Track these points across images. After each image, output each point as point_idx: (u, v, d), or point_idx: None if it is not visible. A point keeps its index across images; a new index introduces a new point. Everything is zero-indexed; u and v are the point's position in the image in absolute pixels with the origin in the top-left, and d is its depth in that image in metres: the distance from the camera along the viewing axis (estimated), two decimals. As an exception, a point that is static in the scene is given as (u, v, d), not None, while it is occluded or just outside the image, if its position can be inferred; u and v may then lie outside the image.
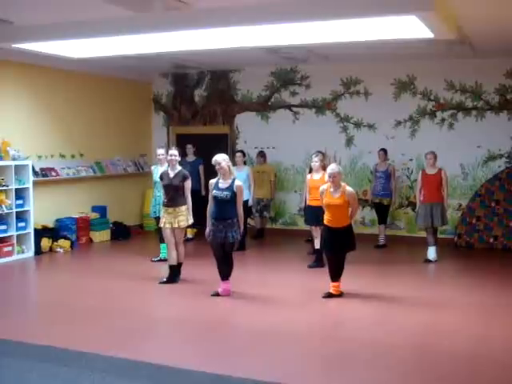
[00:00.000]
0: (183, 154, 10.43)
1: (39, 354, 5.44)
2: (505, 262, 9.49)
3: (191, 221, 8.03)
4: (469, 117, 10.73)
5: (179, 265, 8.05)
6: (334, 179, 7.12)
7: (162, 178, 8.11)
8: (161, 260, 9.21)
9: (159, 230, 8.56)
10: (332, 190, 7.19)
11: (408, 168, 11.13)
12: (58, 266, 9.55)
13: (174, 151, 8.11)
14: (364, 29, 6.86)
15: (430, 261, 9.32)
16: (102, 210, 11.57)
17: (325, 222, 7.33)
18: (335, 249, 7.28)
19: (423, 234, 9.97)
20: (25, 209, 9.76)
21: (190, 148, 11.48)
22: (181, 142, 12.08)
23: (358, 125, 11.45)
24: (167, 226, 7.88)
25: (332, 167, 7.24)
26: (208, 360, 5.32)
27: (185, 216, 7.90)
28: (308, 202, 9.07)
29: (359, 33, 7.10)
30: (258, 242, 11.23)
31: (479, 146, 10.64)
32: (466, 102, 10.73)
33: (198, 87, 12.74)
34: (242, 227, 7.29)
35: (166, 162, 8.63)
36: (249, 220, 11.03)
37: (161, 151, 9.19)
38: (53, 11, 6.77)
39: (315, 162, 8.88)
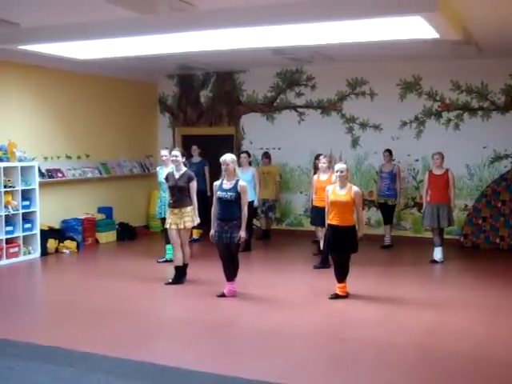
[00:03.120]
0: (189, 155, 10.44)
1: (45, 355, 5.46)
2: (511, 262, 9.46)
3: (198, 221, 8.04)
4: (475, 117, 10.71)
5: (185, 266, 8.05)
6: (342, 174, 7.14)
7: (167, 179, 8.12)
8: (166, 261, 9.21)
9: (165, 231, 8.57)
10: (338, 187, 7.21)
11: (414, 168, 11.11)
12: (64, 267, 9.58)
13: (176, 152, 8.12)
14: (369, 30, 6.85)
15: (436, 261, 9.30)
16: (107, 211, 11.60)
17: (328, 221, 7.33)
18: (338, 249, 7.28)
19: (429, 234, 9.96)
20: (31, 210, 9.79)
21: (195, 149, 11.47)
22: (186, 143, 12.12)
23: (363, 125, 11.44)
24: (173, 226, 7.89)
25: (340, 163, 7.40)
26: (213, 361, 5.32)
27: (190, 217, 7.90)
28: (314, 203, 9.08)
29: (364, 34, 7.10)
30: (264, 243, 11.23)
31: (485, 146, 10.61)
32: (472, 103, 10.71)
33: (203, 88, 12.75)
34: (244, 226, 7.24)
35: (170, 163, 8.64)
36: (254, 221, 11.03)
37: (164, 152, 9.23)
38: (58, 13, 6.79)
39: (323, 162, 8.90)
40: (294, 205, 12.02)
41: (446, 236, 9.81)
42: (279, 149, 11.96)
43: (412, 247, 10.70)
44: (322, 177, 8.88)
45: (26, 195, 9.74)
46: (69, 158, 10.99)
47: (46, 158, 10.48)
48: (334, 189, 7.27)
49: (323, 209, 7.70)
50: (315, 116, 11.78)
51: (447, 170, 9.35)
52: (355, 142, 11.50)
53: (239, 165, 8.83)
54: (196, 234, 11.02)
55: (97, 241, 11.13)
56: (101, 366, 5.17)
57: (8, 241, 9.43)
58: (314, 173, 9.50)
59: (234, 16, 6.48)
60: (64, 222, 10.74)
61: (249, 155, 10.59)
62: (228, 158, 7.27)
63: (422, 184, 9.99)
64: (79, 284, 8.27)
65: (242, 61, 11.08)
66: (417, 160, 11.07)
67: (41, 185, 10.00)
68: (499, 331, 6.12)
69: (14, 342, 5.73)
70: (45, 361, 5.31)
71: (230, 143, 12.28)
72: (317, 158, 9.64)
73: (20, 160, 9.62)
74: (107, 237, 11.30)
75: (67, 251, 10.25)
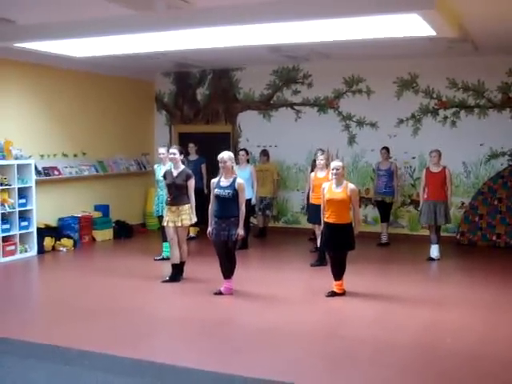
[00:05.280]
0: (185, 153, 10.42)
1: (42, 353, 5.45)
2: (507, 259, 9.48)
3: (195, 219, 8.04)
4: (471, 115, 10.72)
5: (182, 263, 8.06)
6: (338, 171, 7.12)
7: (165, 176, 8.12)
8: (163, 259, 9.20)
9: (162, 229, 8.57)
10: (334, 185, 7.20)
11: (410, 166, 11.12)
12: (61, 265, 9.56)
13: (174, 150, 8.12)
14: (366, 27, 6.86)
15: (432, 259, 9.31)
16: (104, 209, 11.58)
17: (325, 219, 7.33)
18: (335, 247, 7.28)
19: (426, 232, 9.97)
20: (27, 208, 9.76)
21: (192, 147, 11.46)
22: (183, 141, 12.08)
23: (360, 123, 11.44)
24: (170, 224, 7.89)
25: (336, 161, 7.38)
26: (211, 358, 5.32)
27: (188, 215, 7.90)
28: (311, 200, 9.06)
29: (361, 31, 7.10)
30: (261, 241, 11.23)
31: (482, 143, 10.63)
32: (469, 100, 10.72)
33: (200, 86, 12.73)
34: (242, 224, 7.24)
35: (168, 161, 8.64)
36: (251, 218, 11.02)
37: (162, 150, 9.22)
38: (55, 10, 6.78)
39: (321, 159, 8.87)
40: (290, 202, 12.02)
41: (442, 233, 9.84)
42: (276, 146, 11.96)
43: (409, 245, 10.71)
44: (320, 174, 8.85)
45: (23, 193, 9.71)
46: (65, 155, 10.97)
47: (42, 156, 10.46)
48: (329, 187, 7.25)
49: (320, 206, 7.70)
50: (312, 114, 11.77)
51: (444, 168, 9.35)
52: (352, 140, 11.51)
53: (237, 162, 8.84)
54: (193, 232, 11.01)
55: (93, 239, 11.11)
56: (98, 364, 5.16)
57: (4, 239, 9.40)
58: (312, 170, 9.47)
59: (231, 14, 6.48)
60: (60, 219, 10.71)
61: (247, 153, 10.59)
62: (225, 155, 7.27)
63: (419, 181, 10.01)
64: (76, 282, 8.26)
65: (238, 58, 11.07)
66: (413, 157, 11.08)
67: (37, 183, 9.97)
68: (496, 329, 6.13)
69: (10, 340, 5.72)
70: (42, 359, 5.30)
71: (227, 141, 12.27)
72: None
73: (16, 158, 9.59)
74: (104, 235, 11.28)
75: (64, 249, 10.23)
